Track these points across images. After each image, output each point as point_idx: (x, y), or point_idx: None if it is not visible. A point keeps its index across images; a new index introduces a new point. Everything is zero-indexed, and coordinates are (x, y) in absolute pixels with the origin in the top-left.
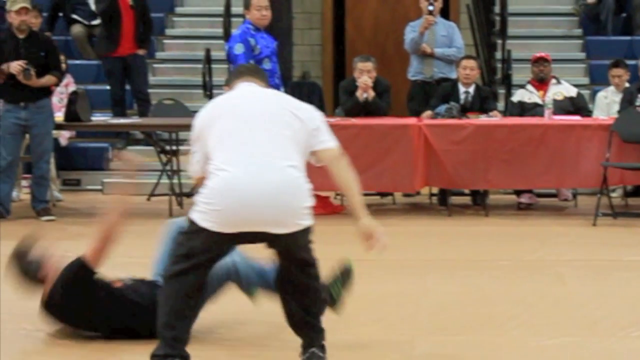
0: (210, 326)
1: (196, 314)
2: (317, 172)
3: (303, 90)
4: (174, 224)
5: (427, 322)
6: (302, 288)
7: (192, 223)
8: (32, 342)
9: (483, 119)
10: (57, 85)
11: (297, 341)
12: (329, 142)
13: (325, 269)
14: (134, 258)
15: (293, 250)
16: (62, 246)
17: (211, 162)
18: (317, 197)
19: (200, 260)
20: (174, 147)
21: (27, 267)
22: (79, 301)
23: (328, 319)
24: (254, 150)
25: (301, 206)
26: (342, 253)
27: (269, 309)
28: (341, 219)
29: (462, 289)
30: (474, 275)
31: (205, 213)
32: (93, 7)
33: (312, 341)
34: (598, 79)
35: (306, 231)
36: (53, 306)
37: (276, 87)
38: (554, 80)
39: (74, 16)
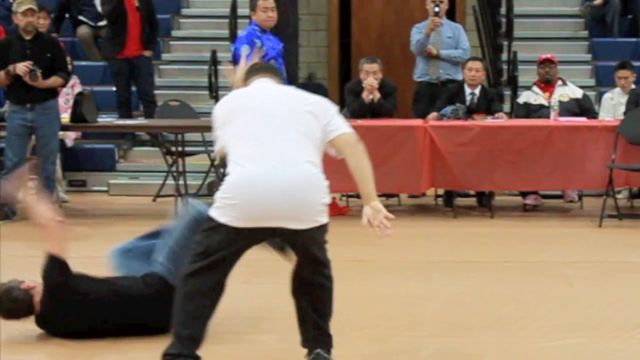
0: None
1: (212, 313)
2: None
3: (309, 92)
4: (194, 208)
5: (433, 324)
6: (315, 287)
7: (210, 220)
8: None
9: (489, 121)
10: (63, 86)
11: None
12: (342, 128)
13: (333, 269)
14: None
15: (309, 246)
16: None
17: (229, 157)
18: None
19: (217, 258)
20: (180, 149)
21: (15, 297)
22: (71, 297)
23: (333, 320)
24: (271, 146)
25: (318, 202)
26: (348, 254)
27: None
28: (347, 220)
29: (467, 290)
30: (479, 277)
31: (223, 208)
32: (99, 8)
33: (317, 342)
34: (604, 80)
35: (322, 228)
36: (50, 314)
37: None
38: (559, 82)
39: (80, 17)
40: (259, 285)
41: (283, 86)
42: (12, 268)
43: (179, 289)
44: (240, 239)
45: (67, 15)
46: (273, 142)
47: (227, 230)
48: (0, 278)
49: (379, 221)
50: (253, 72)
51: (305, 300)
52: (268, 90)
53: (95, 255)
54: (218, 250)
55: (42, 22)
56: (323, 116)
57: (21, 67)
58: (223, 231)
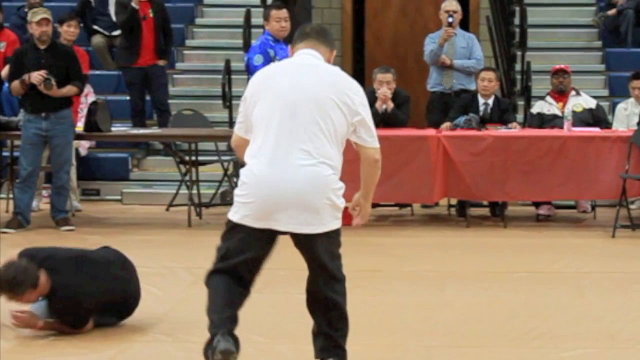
0: None
1: (241, 300)
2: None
3: None
4: None
5: (445, 334)
6: (328, 305)
7: (228, 222)
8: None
9: (502, 131)
10: (78, 95)
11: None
12: (367, 141)
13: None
14: (154, 268)
15: (319, 254)
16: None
17: (249, 146)
18: None
19: (235, 262)
20: (193, 158)
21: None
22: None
23: None
24: (287, 142)
25: (327, 206)
26: (361, 264)
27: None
28: (360, 230)
29: (480, 300)
30: (492, 287)
31: (237, 207)
32: (114, 17)
33: (330, 353)
34: (617, 90)
35: (333, 235)
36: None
37: None
38: (573, 92)
39: (95, 27)
40: (272, 295)
41: (323, 65)
42: None
43: (206, 284)
44: (256, 241)
45: (81, 25)
46: (290, 137)
47: (242, 231)
48: None
49: (356, 211)
50: (300, 37)
51: (319, 316)
52: (303, 69)
53: None
54: (236, 254)
55: (73, 31)
56: (351, 115)
57: (36, 76)
58: (239, 232)
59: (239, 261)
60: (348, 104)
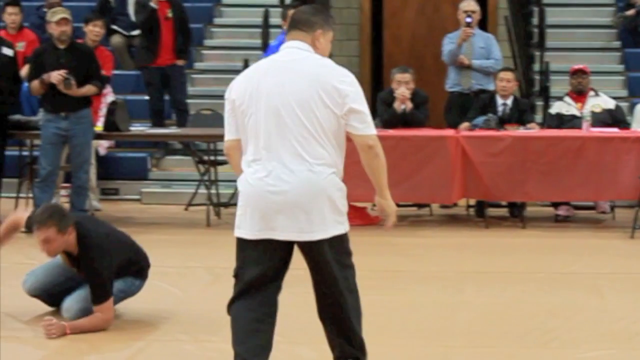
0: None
1: (267, 328)
2: (353, 183)
3: None
4: None
5: (463, 334)
6: (336, 316)
7: (236, 239)
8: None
9: (521, 131)
10: (97, 95)
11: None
12: (358, 128)
13: (364, 279)
14: (173, 268)
15: (324, 263)
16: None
17: (243, 149)
18: (354, 208)
19: (249, 280)
20: (212, 157)
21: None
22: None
23: (365, 330)
24: (277, 149)
25: (324, 210)
26: (380, 264)
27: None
28: (379, 230)
29: (499, 300)
30: (511, 288)
31: (238, 221)
32: (133, 17)
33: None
34: (636, 91)
35: (336, 242)
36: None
37: None
38: (592, 93)
39: (114, 27)
40: (292, 295)
41: (307, 58)
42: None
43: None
44: (263, 253)
45: None
46: (279, 143)
47: (247, 245)
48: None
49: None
50: (290, 27)
51: (328, 324)
52: (284, 67)
53: None
54: (247, 268)
55: (98, 31)
56: (339, 108)
57: (55, 76)
58: (245, 247)
59: (252, 278)
60: (334, 96)
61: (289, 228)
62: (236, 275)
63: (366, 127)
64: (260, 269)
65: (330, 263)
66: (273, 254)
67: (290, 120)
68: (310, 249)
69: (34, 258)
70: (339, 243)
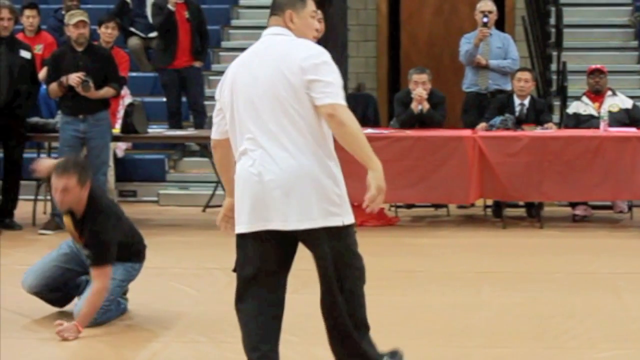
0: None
1: (275, 328)
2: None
3: (358, 102)
4: None
5: (482, 334)
6: (334, 325)
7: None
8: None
9: (538, 131)
10: (115, 97)
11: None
12: (318, 99)
13: (382, 280)
14: (190, 269)
15: (321, 257)
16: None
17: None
18: None
19: (248, 274)
20: None
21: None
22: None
23: (383, 330)
24: (261, 140)
25: (311, 198)
26: (397, 264)
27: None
28: (396, 231)
29: (516, 301)
30: (528, 288)
31: (237, 215)
32: (151, 19)
33: None
34: None
35: (330, 235)
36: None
37: None
38: (609, 92)
39: (132, 29)
40: (308, 295)
41: (279, 41)
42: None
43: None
44: (259, 246)
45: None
46: (261, 134)
47: (245, 242)
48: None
49: (370, 200)
50: (270, 13)
51: (328, 330)
52: (259, 55)
53: (146, 265)
54: (247, 268)
55: (111, 32)
56: (301, 86)
57: (74, 78)
58: (242, 244)
59: (249, 274)
60: (299, 76)
61: (276, 217)
62: (237, 270)
63: (324, 96)
64: (257, 264)
65: (324, 258)
66: (269, 247)
67: (265, 109)
68: (305, 241)
69: (33, 253)
70: (337, 237)
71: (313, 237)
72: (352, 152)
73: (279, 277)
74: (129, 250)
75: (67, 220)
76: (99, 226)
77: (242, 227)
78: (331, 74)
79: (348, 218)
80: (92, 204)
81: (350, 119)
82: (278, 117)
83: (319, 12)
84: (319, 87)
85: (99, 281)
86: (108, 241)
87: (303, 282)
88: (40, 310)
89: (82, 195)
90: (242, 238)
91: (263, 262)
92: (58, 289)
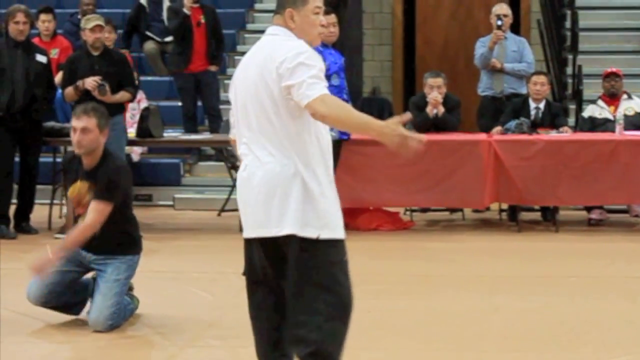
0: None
1: (276, 332)
2: (385, 188)
3: (373, 106)
4: None
5: (496, 339)
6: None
7: None
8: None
9: (553, 135)
10: (131, 101)
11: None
12: (301, 100)
13: (397, 285)
14: (206, 273)
15: (288, 271)
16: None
17: None
18: (385, 212)
19: (253, 278)
20: None
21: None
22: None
23: (398, 335)
24: (250, 144)
25: (279, 205)
26: (412, 269)
27: None
28: (411, 235)
29: (531, 305)
30: (543, 292)
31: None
32: (167, 24)
33: None
34: None
35: (300, 248)
36: None
37: None
38: (625, 96)
39: (147, 33)
40: None
41: (267, 42)
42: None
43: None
44: (254, 251)
45: (119, 31)
46: (250, 137)
47: (245, 246)
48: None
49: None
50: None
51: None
52: (251, 58)
53: (162, 270)
54: (251, 273)
55: (108, 36)
56: (278, 91)
57: (90, 82)
58: (246, 247)
59: (253, 279)
60: (277, 82)
61: (252, 224)
62: (244, 274)
63: (302, 97)
64: (259, 269)
65: (289, 273)
66: (265, 253)
67: (254, 115)
68: (287, 249)
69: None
70: (307, 250)
71: (289, 246)
72: (350, 129)
73: (282, 282)
74: (135, 240)
75: (76, 186)
76: (112, 172)
77: (244, 232)
78: (307, 72)
79: (327, 233)
80: (108, 158)
81: (328, 108)
82: (262, 123)
83: (333, 15)
84: (296, 91)
85: (93, 216)
86: (117, 183)
87: None
88: (54, 315)
89: (100, 141)
90: (245, 242)
91: (264, 266)
92: (64, 292)
